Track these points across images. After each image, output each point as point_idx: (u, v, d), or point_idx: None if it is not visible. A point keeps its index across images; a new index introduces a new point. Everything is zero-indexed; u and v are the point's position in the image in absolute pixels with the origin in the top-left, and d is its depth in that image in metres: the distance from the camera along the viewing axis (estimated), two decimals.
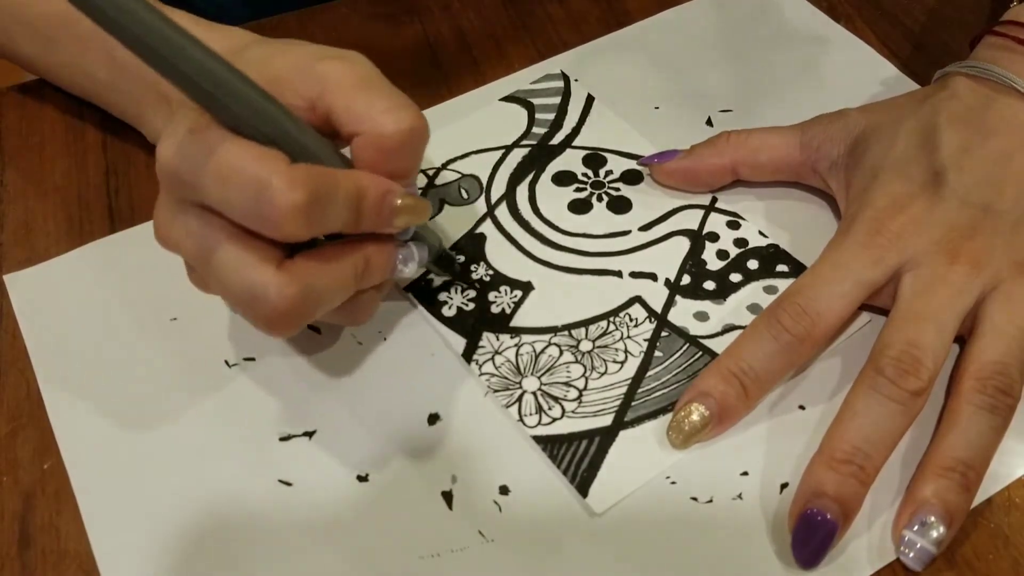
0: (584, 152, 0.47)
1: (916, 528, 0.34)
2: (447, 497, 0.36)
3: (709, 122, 0.48)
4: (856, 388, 0.36)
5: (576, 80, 0.50)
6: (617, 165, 0.47)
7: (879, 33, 0.53)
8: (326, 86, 0.34)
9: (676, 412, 0.37)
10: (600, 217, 0.45)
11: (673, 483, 0.37)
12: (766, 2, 0.54)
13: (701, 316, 0.41)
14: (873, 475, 0.35)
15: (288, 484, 0.37)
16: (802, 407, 0.39)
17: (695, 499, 0.36)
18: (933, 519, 0.34)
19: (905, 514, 0.35)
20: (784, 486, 0.36)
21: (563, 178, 0.46)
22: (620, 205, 0.45)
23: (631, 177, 0.46)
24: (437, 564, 0.35)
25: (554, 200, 0.45)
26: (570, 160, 0.47)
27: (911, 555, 0.34)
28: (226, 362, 0.40)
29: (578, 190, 0.46)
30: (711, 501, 0.36)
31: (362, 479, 0.37)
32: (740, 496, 0.36)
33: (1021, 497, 0.37)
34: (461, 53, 0.53)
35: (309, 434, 0.38)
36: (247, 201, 0.31)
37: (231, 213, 0.32)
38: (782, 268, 0.43)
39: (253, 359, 0.40)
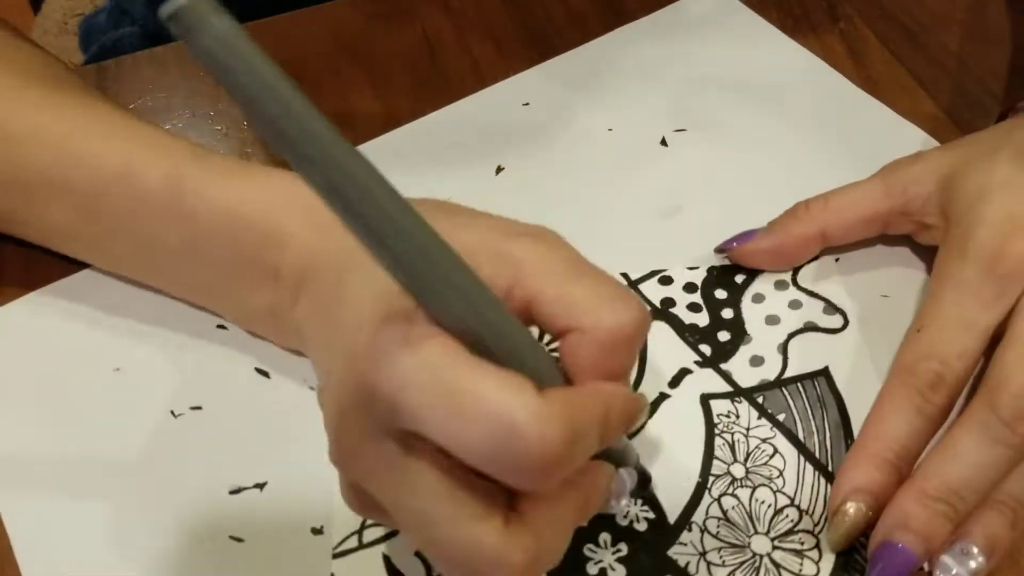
0: None
1: (956, 554, 0.33)
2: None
3: (664, 142, 0.48)
4: (966, 424, 0.34)
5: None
6: None
7: (878, 33, 0.53)
8: (524, 271, 0.29)
9: (832, 512, 0.35)
10: None
11: None
12: (718, 19, 0.54)
13: (755, 362, 0.40)
14: (964, 516, 0.33)
15: (239, 540, 0.35)
16: None
17: None
18: (976, 550, 0.33)
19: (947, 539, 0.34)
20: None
21: None
22: None
23: None
24: None
25: None
26: None
27: None
28: (172, 412, 0.39)
29: None
30: None
31: (317, 532, 0.35)
32: None
33: None
34: (461, 53, 0.53)
35: (260, 486, 0.37)
36: (489, 445, 0.25)
37: (462, 454, 0.25)
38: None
39: (200, 408, 0.39)
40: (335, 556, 0.35)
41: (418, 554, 0.35)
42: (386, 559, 0.35)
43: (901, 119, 0.48)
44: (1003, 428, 0.33)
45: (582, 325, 0.28)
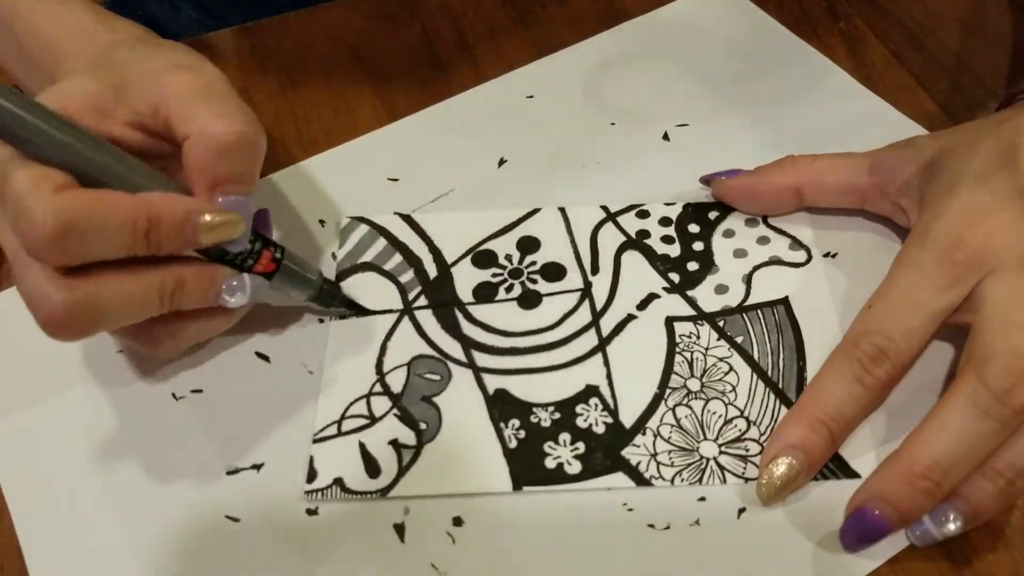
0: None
1: (936, 515, 0.34)
2: (399, 529, 0.36)
3: (666, 136, 0.48)
4: (953, 399, 0.34)
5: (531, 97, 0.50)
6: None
7: (879, 33, 0.53)
8: (167, 93, 0.36)
9: (764, 466, 0.36)
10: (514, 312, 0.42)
11: (630, 510, 0.36)
12: (723, 15, 0.54)
13: (720, 289, 0.42)
14: (948, 492, 0.34)
15: (235, 520, 0.36)
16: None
17: (652, 526, 0.35)
18: (953, 515, 0.34)
19: None
20: (742, 511, 0.36)
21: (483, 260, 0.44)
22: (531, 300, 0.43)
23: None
24: None
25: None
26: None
27: (916, 532, 0.34)
28: (173, 395, 0.40)
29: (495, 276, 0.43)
30: (668, 528, 0.35)
31: (311, 512, 0.36)
32: (698, 522, 0.35)
33: (1021, 497, 0.36)
34: (461, 53, 0.53)
35: (257, 467, 0.37)
36: (14, 224, 0.33)
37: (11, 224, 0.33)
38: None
39: (200, 391, 0.40)
40: (315, 441, 0.38)
41: (391, 442, 0.38)
42: (361, 446, 0.38)
43: (906, 119, 0.48)
44: (993, 400, 0.33)
45: (190, 131, 0.35)
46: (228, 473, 0.37)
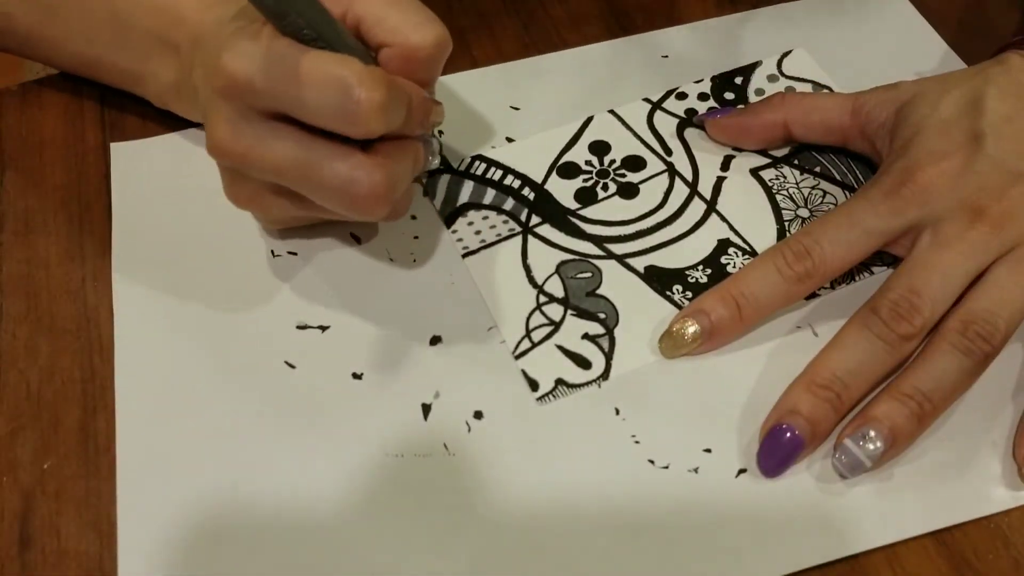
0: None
1: (856, 437, 0.36)
2: (425, 409, 0.39)
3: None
4: (850, 323, 0.38)
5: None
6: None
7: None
8: (356, 3, 0.37)
9: (671, 324, 0.40)
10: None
11: (637, 442, 0.38)
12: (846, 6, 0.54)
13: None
14: (848, 406, 0.37)
15: (292, 366, 0.40)
16: None
17: (652, 462, 0.37)
18: (874, 434, 0.36)
19: (852, 425, 0.37)
20: (742, 471, 0.37)
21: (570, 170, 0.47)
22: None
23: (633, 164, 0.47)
24: (399, 463, 0.38)
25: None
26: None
27: (843, 459, 0.36)
28: (272, 252, 0.44)
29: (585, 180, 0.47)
30: (667, 467, 0.37)
31: (356, 376, 0.40)
32: (696, 470, 0.37)
33: (930, 419, 0.37)
34: (461, 52, 0.52)
35: (323, 328, 0.41)
36: (332, 101, 0.34)
37: (312, 116, 0.34)
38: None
39: (296, 254, 0.43)
40: (517, 357, 0.41)
41: (584, 336, 0.41)
42: (560, 348, 0.41)
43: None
44: (882, 326, 0.37)
45: (393, 42, 0.37)
46: (298, 327, 0.41)
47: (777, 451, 0.37)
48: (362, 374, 0.40)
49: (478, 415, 0.39)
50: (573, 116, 0.49)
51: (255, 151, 0.36)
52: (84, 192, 0.46)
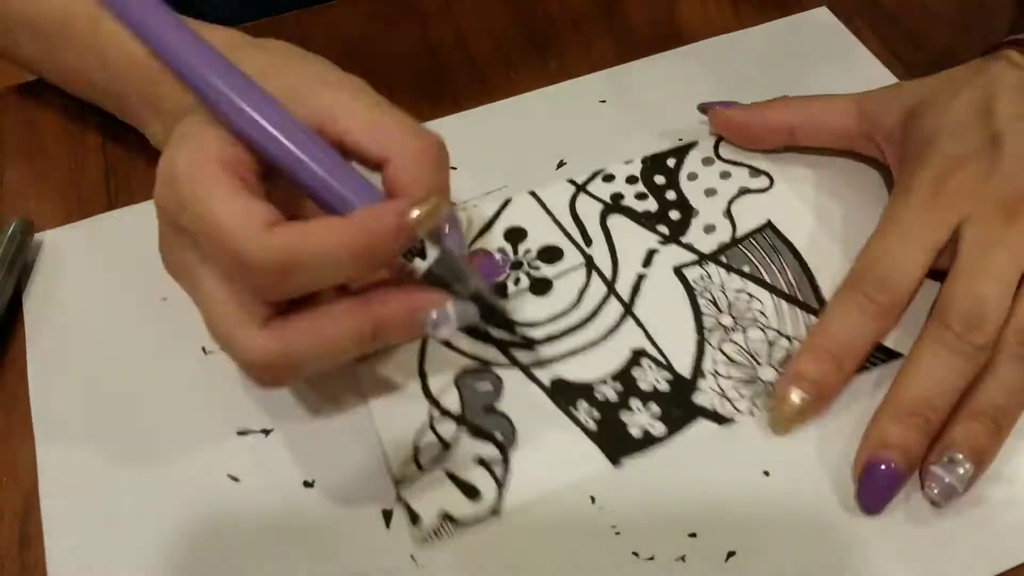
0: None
1: (944, 464, 0.36)
2: (386, 516, 0.37)
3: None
4: (922, 342, 0.37)
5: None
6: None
7: (878, 33, 0.53)
8: (334, 113, 0.34)
9: (775, 400, 0.38)
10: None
11: (617, 533, 0.36)
12: (816, 39, 0.53)
13: (708, 230, 0.45)
14: (938, 427, 0.36)
15: (236, 480, 0.38)
16: (766, 472, 0.37)
17: (636, 554, 0.36)
18: (961, 457, 0.35)
19: (935, 453, 0.36)
20: (731, 555, 0.35)
21: None
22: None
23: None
24: None
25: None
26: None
27: (936, 490, 0.36)
28: (203, 349, 0.41)
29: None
30: (652, 559, 0.35)
31: (308, 485, 0.38)
32: (683, 558, 0.35)
33: (1009, 429, 0.37)
34: (461, 53, 0.53)
35: (266, 432, 0.39)
36: (226, 263, 0.32)
37: (215, 263, 0.32)
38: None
39: None
40: (399, 483, 0.38)
41: (477, 460, 0.38)
42: (449, 474, 0.38)
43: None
44: (957, 340, 0.36)
45: (393, 151, 0.34)
46: (238, 433, 0.39)
47: (875, 488, 0.36)
48: (313, 481, 0.38)
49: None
50: (503, 179, 0.47)
51: (179, 276, 0.35)
52: (84, 193, 0.47)
